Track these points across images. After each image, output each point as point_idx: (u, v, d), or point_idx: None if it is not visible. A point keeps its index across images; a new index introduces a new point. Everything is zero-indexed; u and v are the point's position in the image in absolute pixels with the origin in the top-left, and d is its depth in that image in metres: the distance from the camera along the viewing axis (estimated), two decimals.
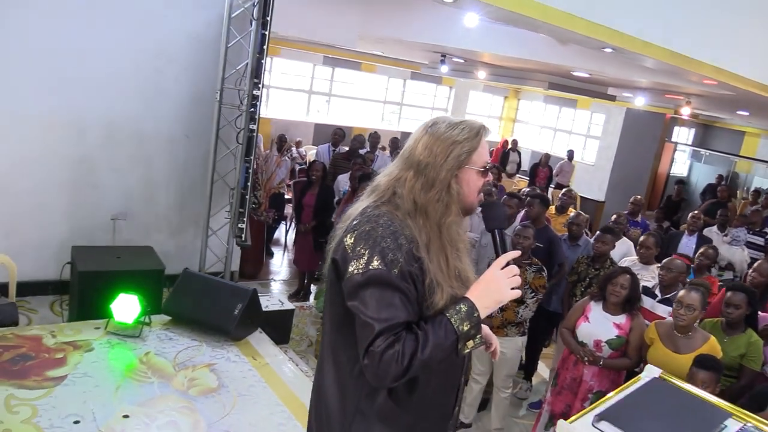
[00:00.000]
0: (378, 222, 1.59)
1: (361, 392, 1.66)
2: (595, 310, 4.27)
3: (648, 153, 15.17)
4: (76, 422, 3.18)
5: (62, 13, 5.22)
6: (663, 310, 4.45)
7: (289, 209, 8.82)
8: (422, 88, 17.28)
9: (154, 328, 4.37)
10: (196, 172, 6.12)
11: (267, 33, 4.97)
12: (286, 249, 9.00)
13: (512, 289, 1.63)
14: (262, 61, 5.04)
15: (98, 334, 4.15)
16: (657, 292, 4.65)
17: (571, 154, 14.20)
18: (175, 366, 3.91)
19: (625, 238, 6.05)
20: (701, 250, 5.66)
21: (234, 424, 3.39)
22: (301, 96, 15.03)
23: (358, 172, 6.61)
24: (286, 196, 8.72)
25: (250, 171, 5.24)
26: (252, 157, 5.20)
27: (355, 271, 1.54)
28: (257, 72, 5.03)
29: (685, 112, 9.09)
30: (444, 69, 9.64)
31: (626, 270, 4.30)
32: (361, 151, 8.14)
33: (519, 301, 4.51)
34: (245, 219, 5.36)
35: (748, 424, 1.82)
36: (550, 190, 12.93)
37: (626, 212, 7.71)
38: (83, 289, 4.64)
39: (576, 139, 17.24)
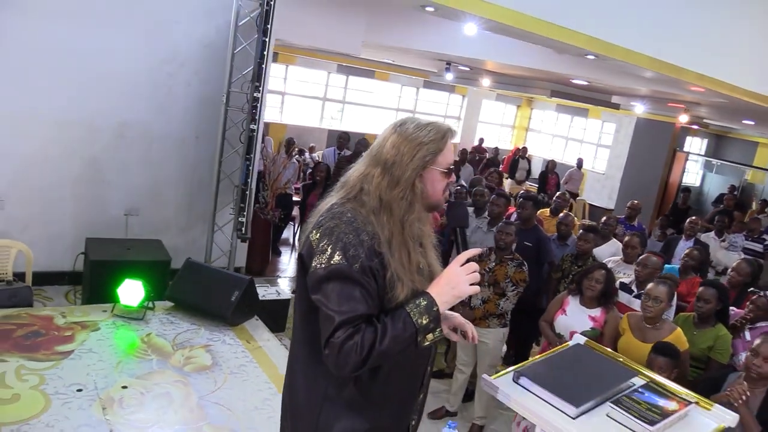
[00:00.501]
0: (342, 219, 1.66)
1: (328, 382, 1.73)
2: (573, 303, 4.49)
3: (658, 162, 15.26)
4: (79, 390, 3.49)
5: (80, 18, 5.60)
6: (638, 305, 4.64)
7: (297, 210, 9.13)
8: (435, 96, 17.56)
9: (157, 312, 4.68)
10: (204, 171, 6.46)
11: (267, 40, 5.29)
12: (293, 248, 9.30)
13: (471, 285, 1.69)
14: (263, 67, 5.35)
15: (105, 316, 4.48)
16: (633, 287, 4.84)
17: (580, 163, 14.35)
18: (174, 346, 4.22)
19: (614, 239, 6.24)
20: (687, 251, 5.83)
21: (223, 397, 3.68)
22: (315, 103, 15.41)
23: None
24: (294, 198, 9.03)
25: (251, 168, 5.56)
26: (252, 155, 5.52)
27: (318, 266, 1.62)
28: (258, 76, 5.35)
29: (683, 119, 9.23)
30: (449, 77, 9.92)
31: (602, 266, 4.52)
32: (364, 154, 8.40)
33: (500, 294, 4.75)
34: (245, 213, 5.67)
35: (651, 382, 2.05)
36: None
37: (623, 216, 7.89)
38: (94, 277, 4.98)
39: (587, 147, 17.38)
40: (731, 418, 1.91)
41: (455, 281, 1.67)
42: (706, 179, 16.74)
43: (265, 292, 5.48)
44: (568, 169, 14.39)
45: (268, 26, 5.28)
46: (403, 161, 1.70)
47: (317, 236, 1.66)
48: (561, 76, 8.28)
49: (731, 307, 4.67)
